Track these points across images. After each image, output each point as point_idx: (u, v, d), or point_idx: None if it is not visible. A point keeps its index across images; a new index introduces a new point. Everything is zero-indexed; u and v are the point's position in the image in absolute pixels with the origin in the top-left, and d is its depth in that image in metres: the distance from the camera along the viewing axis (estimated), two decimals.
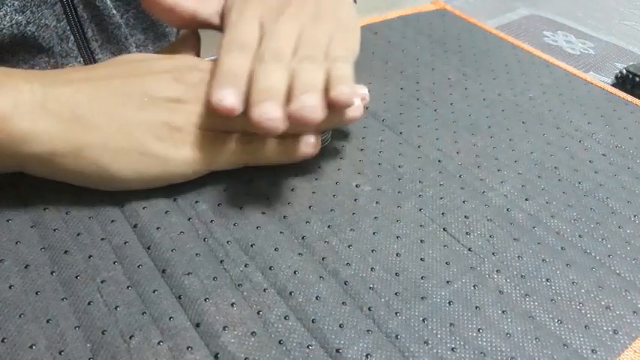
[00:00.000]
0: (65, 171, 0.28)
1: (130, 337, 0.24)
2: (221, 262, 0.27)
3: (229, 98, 0.28)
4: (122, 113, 0.28)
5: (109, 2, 0.42)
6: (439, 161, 0.35)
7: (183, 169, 0.30)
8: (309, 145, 0.31)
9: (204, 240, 0.28)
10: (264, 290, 0.26)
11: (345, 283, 0.27)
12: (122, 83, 0.28)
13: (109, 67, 0.30)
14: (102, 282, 0.26)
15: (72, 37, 0.42)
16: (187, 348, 0.23)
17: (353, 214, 0.31)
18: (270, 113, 0.27)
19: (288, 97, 0.28)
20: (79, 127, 0.27)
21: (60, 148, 0.26)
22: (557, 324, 0.26)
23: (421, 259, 0.28)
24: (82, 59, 0.43)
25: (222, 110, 0.28)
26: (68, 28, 0.41)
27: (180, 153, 0.29)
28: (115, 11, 0.42)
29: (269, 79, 0.28)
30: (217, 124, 0.30)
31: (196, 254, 0.27)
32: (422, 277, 0.27)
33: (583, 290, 0.28)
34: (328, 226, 0.30)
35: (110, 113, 0.28)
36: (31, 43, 0.40)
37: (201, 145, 0.30)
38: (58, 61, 0.42)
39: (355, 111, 0.32)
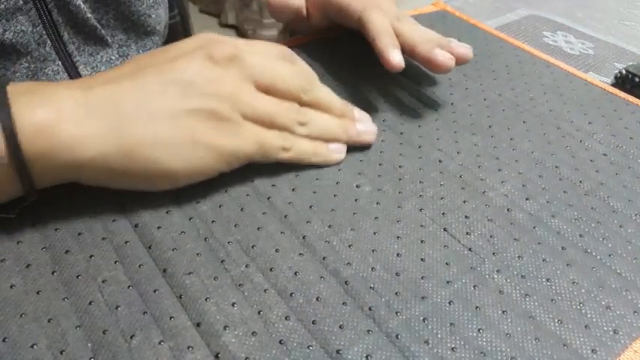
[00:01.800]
0: (120, 173, 0.27)
1: (131, 337, 0.24)
2: (222, 262, 0.27)
3: (399, 56, 0.36)
4: (166, 105, 0.28)
5: (82, 6, 0.42)
6: (440, 161, 0.35)
7: (232, 159, 0.30)
8: (336, 151, 0.34)
9: (205, 240, 0.28)
10: (265, 290, 0.26)
11: (346, 283, 0.27)
12: (157, 71, 0.28)
13: (138, 61, 0.29)
14: (103, 282, 0.26)
15: (49, 41, 0.42)
16: (188, 347, 0.23)
17: (353, 214, 0.31)
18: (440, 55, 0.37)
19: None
20: (127, 125, 0.27)
21: (111, 148, 0.26)
22: (557, 324, 0.26)
23: (421, 259, 0.28)
24: (60, 62, 0.44)
25: (396, 68, 0.36)
26: (44, 32, 0.42)
27: (230, 141, 0.29)
28: (89, 14, 0.43)
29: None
30: (257, 113, 0.30)
31: (197, 254, 0.27)
32: (422, 277, 0.27)
33: (583, 290, 0.28)
34: (329, 226, 0.30)
35: (154, 106, 0.27)
36: (10, 49, 0.40)
37: (248, 136, 0.30)
38: (37, 66, 0.42)
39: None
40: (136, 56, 0.31)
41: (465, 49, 0.39)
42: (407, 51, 0.38)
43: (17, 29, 0.40)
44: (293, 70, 0.32)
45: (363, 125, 0.35)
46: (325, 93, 0.34)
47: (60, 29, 0.42)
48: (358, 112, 0.36)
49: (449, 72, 0.38)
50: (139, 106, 0.27)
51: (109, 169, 0.27)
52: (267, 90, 0.31)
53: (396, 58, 0.36)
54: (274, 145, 0.31)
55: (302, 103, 0.32)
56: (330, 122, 0.34)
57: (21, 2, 0.39)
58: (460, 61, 0.38)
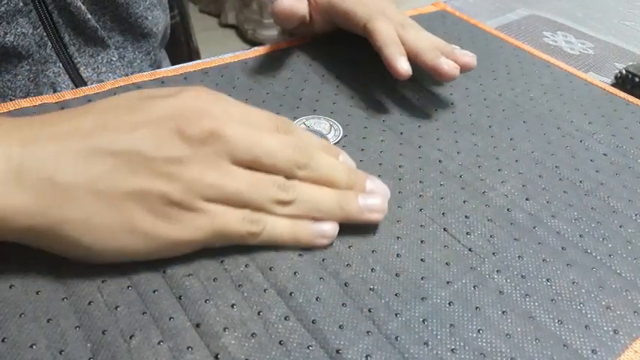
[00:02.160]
0: (46, 245, 0.25)
1: (130, 337, 0.24)
2: (221, 262, 0.27)
3: (406, 64, 0.38)
4: (110, 181, 0.24)
5: (83, 7, 0.42)
6: (440, 161, 0.35)
7: (175, 249, 0.26)
8: (321, 236, 0.28)
9: None
10: (265, 291, 0.26)
11: (346, 284, 0.27)
12: (113, 140, 0.25)
13: (103, 114, 0.26)
14: (102, 282, 0.26)
15: (49, 43, 0.42)
16: (187, 348, 0.23)
17: None
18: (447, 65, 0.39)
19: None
20: (59, 200, 0.24)
21: (38, 224, 0.24)
22: (557, 324, 0.26)
23: (421, 260, 0.28)
24: (61, 64, 0.43)
25: (404, 76, 0.38)
26: (45, 34, 0.42)
27: (174, 231, 0.25)
28: (89, 15, 0.43)
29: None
30: (224, 194, 0.26)
31: (197, 254, 0.27)
32: (422, 278, 0.27)
33: (583, 290, 0.27)
34: None
35: (95, 181, 0.24)
36: (11, 52, 0.40)
37: (201, 223, 0.26)
38: (39, 68, 0.42)
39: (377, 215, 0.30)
40: (107, 101, 0.27)
41: (469, 58, 0.40)
42: (412, 58, 0.39)
43: (18, 32, 0.40)
44: (285, 142, 0.28)
45: (370, 200, 0.29)
46: (326, 165, 0.29)
47: (60, 31, 0.42)
48: (372, 184, 0.30)
49: (453, 80, 0.39)
50: (79, 178, 0.24)
51: (34, 240, 0.25)
52: (250, 167, 0.27)
53: (403, 67, 0.38)
54: (237, 231, 0.27)
55: (298, 179, 0.28)
56: (322, 196, 0.28)
57: (21, 4, 0.39)
58: (464, 70, 0.40)
